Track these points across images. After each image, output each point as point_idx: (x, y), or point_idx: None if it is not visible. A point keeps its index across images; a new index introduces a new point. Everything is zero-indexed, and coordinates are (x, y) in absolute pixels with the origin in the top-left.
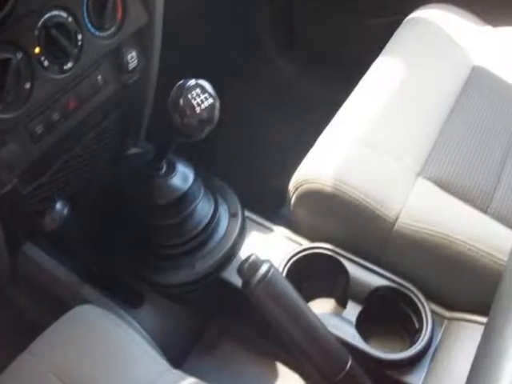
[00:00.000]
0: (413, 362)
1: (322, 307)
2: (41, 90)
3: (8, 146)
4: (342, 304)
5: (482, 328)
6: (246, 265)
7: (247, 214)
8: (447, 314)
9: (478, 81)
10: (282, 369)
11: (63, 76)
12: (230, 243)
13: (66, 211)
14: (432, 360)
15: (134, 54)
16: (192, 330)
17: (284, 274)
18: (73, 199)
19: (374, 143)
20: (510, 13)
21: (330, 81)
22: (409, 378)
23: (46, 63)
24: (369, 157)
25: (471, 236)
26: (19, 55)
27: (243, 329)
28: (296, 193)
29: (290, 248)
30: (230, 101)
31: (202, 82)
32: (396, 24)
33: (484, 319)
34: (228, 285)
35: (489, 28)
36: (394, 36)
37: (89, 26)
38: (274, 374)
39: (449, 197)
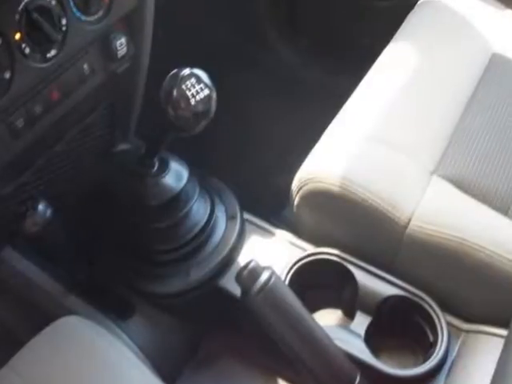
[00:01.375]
0: (427, 379)
1: (327, 318)
2: (21, 79)
3: None
4: (349, 315)
5: (502, 341)
6: (246, 272)
7: (246, 216)
8: (464, 325)
9: (497, 69)
10: None
11: (46, 65)
12: (228, 248)
13: (49, 213)
14: (448, 376)
15: (122, 40)
16: (186, 344)
17: (286, 282)
18: (56, 200)
19: (384, 139)
20: None
21: (336, 70)
22: None
23: (27, 50)
24: (379, 153)
25: (490, 241)
26: None
27: (242, 342)
28: (299, 193)
29: (292, 253)
30: (228, 92)
31: (198, 71)
32: (408, 7)
33: (504, 332)
34: (226, 294)
35: (509, 12)
36: (405, 21)
37: (74, 9)
38: None
39: (466, 197)
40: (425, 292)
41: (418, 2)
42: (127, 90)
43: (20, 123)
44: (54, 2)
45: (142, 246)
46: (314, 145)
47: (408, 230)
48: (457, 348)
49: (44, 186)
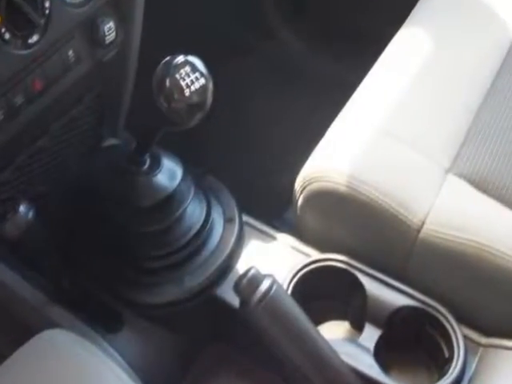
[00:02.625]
0: None
1: (333, 331)
2: (1, 67)
3: None
4: (357, 328)
5: None
6: (245, 280)
7: (245, 218)
8: (483, 339)
9: None
10: None
11: (28, 51)
12: (226, 254)
13: (31, 215)
14: None
15: (111, 24)
16: (180, 359)
17: (289, 292)
18: (39, 201)
19: (395, 134)
20: None
21: (343, 57)
22: None
23: (7, 36)
24: (389, 150)
25: (511, 246)
26: None
27: (240, 357)
28: (303, 193)
29: (296, 260)
30: (226, 82)
31: (193, 58)
32: None
33: None
34: (223, 304)
35: None
36: (418, 4)
37: None
38: None
39: (485, 198)
40: (439, 302)
41: None
42: (116, 79)
43: None
44: None
45: (131, 252)
46: (318, 140)
47: (421, 234)
48: (474, 364)
49: (25, 185)
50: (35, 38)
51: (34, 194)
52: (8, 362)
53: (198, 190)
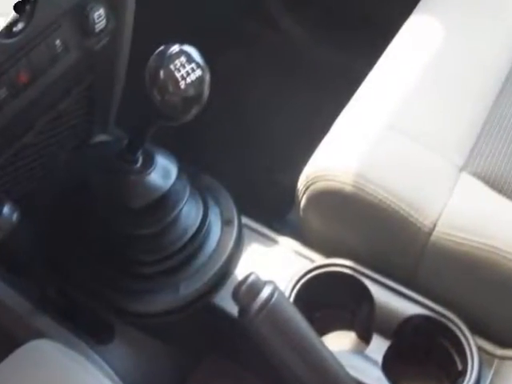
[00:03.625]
0: None
1: (339, 342)
2: None
3: None
4: (364, 338)
5: None
6: (244, 287)
7: (245, 220)
8: (498, 351)
9: None
10: None
11: (12, 40)
12: (224, 259)
13: (15, 217)
14: None
15: (101, 11)
16: (175, 372)
17: (291, 300)
18: (25, 201)
19: (405, 129)
20: None
21: (349, 47)
22: None
23: None
24: (399, 147)
25: None
26: None
27: (239, 369)
28: (306, 193)
29: (298, 265)
30: (224, 73)
31: (188, 48)
32: None
33: None
34: (221, 313)
35: None
36: None
37: None
38: None
39: (500, 198)
40: (452, 311)
41: None
42: (106, 69)
43: None
44: None
45: (122, 257)
46: (323, 136)
47: (432, 237)
48: (490, 377)
49: (10, 184)
50: (20, 26)
51: (18, 195)
52: None
53: (194, 189)
